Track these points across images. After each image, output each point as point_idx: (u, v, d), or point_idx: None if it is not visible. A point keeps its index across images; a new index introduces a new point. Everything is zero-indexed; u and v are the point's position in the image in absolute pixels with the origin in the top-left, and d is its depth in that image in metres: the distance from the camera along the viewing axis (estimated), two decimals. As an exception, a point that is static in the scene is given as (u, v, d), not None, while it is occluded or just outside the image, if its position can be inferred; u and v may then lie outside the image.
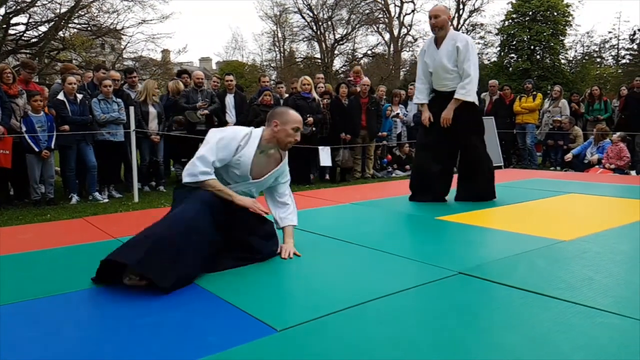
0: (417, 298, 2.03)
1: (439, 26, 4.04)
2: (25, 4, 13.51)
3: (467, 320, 1.79)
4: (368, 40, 51.13)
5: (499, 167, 8.79)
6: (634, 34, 26.95)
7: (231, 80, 7.53)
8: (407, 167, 8.80)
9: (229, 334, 1.73)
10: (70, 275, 2.42)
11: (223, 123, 7.33)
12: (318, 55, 29.46)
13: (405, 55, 31.38)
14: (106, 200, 5.89)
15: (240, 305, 1.97)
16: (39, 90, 5.93)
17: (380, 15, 29.48)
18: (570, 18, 25.05)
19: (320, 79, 8.52)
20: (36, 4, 13.74)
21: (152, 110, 6.45)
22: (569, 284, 2.13)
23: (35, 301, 2.09)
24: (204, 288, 2.20)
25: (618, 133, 8.08)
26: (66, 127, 5.62)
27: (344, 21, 28.68)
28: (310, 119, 7.00)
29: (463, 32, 31.05)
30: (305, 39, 29.83)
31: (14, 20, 13.89)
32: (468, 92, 4.02)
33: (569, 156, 8.47)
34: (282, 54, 30.92)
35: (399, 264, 2.51)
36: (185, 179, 2.55)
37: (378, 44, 30.30)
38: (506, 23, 25.66)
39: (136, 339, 1.70)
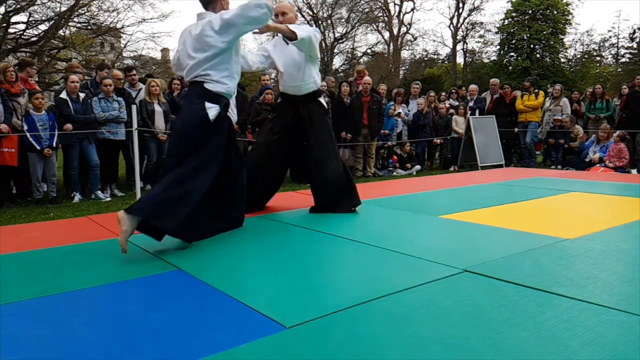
0: (424, 295, 2.04)
1: (288, 23, 3.70)
2: (25, 3, 13.49)
3: (474, 318, 1.80)
4: (368, 39, 51.34)
5: (500, 166, 8.80)
6: (634, 32, 27.02)
7: (232, 79, 7.51)
8: (408, 165, 8.82)
9: (237, 331, 1.73)
10: (75, 274, 2.42)
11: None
12: (318, 54, 29.44)
13: (405, 53, 31.44)
14: (108, 198, 5.89)
15: (248, 302, 1.97)
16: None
17: (380, 14, 29.49)
18: (570, 17, 25.13)
19: (331, 82, 8.60)
20: (36, 3, 13.73)
21: (158, 109, 6.42)
22: (574, 282, 2.14)
23: (40, 299, 2.09)
24: (210, 285, 2.20)
25: (617, 132, 8.10)
26: (69, 125, 5.63)
27: (343, 20, 28.71)
28: (312, 118, 6.99)
29: (462, 31, 30.99)
30: (304, 38, 29.80)
31: (14, 19, 13.89)
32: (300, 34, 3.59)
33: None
34: (281, 53, 30.88)
35: (405, 262, 2.52)
36: (265, 20, 3.01)
37: (378, 43, 30.39)
38: (506, 22, 25.72)
39: (143, 337, 1.71)
